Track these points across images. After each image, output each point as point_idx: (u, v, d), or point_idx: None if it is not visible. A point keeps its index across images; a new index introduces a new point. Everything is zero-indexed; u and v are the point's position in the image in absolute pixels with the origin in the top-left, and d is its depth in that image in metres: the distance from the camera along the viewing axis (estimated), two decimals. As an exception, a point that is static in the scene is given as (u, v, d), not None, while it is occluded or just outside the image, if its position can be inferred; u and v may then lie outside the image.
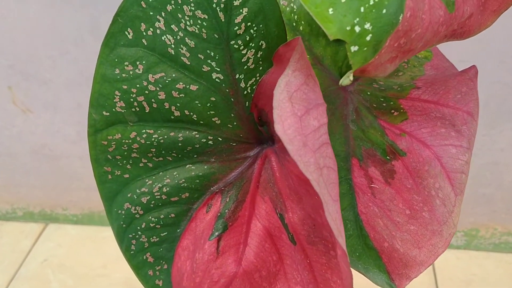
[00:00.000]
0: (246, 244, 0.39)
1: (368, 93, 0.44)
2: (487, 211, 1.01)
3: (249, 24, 0.35)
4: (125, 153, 0.40)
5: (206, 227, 0.39)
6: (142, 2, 0.36)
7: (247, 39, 0.36)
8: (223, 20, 0.35)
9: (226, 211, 0.40)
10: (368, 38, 0.27)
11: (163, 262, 0.41)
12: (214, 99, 0.37)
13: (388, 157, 0.42)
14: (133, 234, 0.41)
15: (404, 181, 0.41)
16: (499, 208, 1.01)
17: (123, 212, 0.41)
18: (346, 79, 0.28)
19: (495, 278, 0.93)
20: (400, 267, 0.39)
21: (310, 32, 0.43)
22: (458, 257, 0.98)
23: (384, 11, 0.27)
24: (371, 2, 0.27)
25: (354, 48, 0.27)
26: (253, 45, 0.36)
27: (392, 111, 0.43)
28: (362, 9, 0.27)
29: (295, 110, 0.28)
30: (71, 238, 1.13)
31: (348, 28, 0.26)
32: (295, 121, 0.27)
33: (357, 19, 0.27)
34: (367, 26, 0.27)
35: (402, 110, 0.43)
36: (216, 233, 0.39)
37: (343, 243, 0.27)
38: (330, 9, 0.27)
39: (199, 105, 0.38)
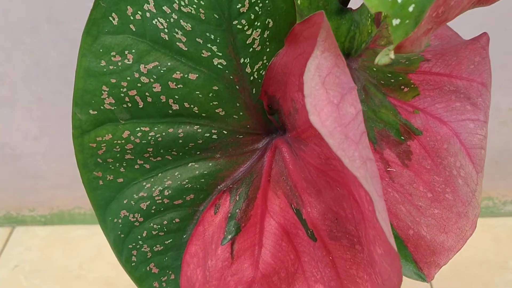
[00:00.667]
0: (262, 245, 0.36)
1: (374, 69, 0.40)
2: (467, 177, 1.00)
3: (253, 0, 0.31)
4: (118, 155, 0.35)
5: (216, 230, 0.36)
6: (129, -18, 0.31)
7: (252, 17, 0.32)
8: (223, -2, 0.31)
9: (237, 210, 0.36)
10: (410, 9, 0.23)
11: (170, 272, 0.37)
12: (216, 88, 0.33)
13: (402, 137, 0.39)
14: (134, 244, 0.37)
15: (423, 161, 0.38)
16: (479, 174, 1.00)
17: (119, 221, 0.37)
18: (386, 57, 0.24)
19: (482, 242, 0.93)
20: (428, 255, 0.37)
21: (309, 6, 0.39)
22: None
23: (424, -23, 0.24)
24: (409, -32, 0.24)
25: (395, 22, 0.23)
26: (258, 24, 0.32)
27: (402, 87, 0.40)
28: (401, -24, 0.23)
29: (331, 97, 0.24)
30: (41, 240, 1.07)
31: (390, -1, 0.23)
32: (332, 110, 0.24)
33: (399, -13, 0.23)
34: (410, -5, 0.23)
35: (412, 85, 0.40)
36: (229, 237, 0.36)
37: (393, 243, 0.24)
38: (366, -22, 0.23)
39: (200, 95, 0.33)
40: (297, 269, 0.37)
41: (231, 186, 0.36)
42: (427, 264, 0.37)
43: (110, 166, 0.36)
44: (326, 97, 0.24)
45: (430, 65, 0.40)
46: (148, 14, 0.32)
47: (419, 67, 0.40)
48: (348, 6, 0.40)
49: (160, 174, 0.36)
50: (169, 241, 0.37)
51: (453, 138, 0.38)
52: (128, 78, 0.33)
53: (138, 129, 0.34)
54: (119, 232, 0.37)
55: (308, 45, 0.29)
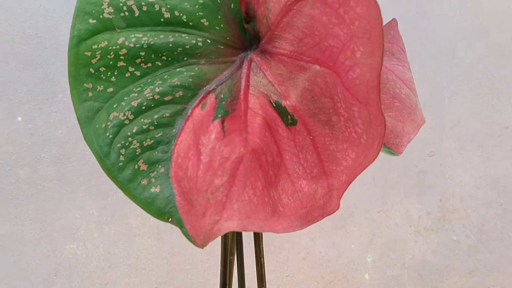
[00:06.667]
0: (248, 132, 0.38)
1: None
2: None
3: None
4: (111, 62, 0.39)
5: (205, 118, 0.38)
6: None
7: None
8: None
9: (223, 102, 0.39)
10: None
11: (159, 166, 0.37)
12: (202, 0, 0.41)
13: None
14: (123, 142, 0.37)
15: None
16: None
17: (109, 123, 0.38)
18: None
19: None
20: (392, 138, 0.41)
21: None
22: None
23: None
24: None
25: None
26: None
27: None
28: None
29: None
30: None
31: None
32: None
33: None
34: None
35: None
36: (219, 115, 0.38)
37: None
38: None
39: (188, 6, 0.40)
40: (281, 164, 0.39)
41: (215, 87, 0.40)
42: (394, 144, 0.41)
43: (102, 75, 0.39)
44: None
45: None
46: None
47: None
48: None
49: (149, 80, 0.39)
50: (159, 134, 0.38)
51: (390, 72, 0.47)
52: (127, -10, 0.40)
53: (133, 35, 0.39)
54: (108, 134, 0.38)
55: None
